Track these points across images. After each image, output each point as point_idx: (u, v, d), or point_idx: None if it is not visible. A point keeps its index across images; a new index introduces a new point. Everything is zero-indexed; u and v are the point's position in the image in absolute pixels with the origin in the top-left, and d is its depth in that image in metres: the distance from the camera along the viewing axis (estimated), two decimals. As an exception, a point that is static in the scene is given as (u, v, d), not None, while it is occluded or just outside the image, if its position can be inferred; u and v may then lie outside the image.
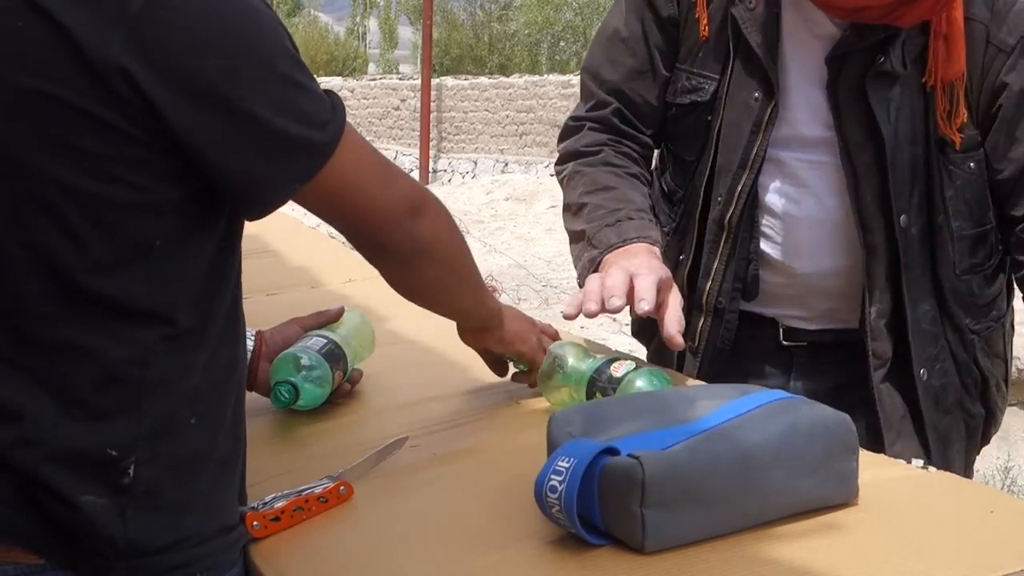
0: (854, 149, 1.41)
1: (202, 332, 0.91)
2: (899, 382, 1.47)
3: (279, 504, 1.02)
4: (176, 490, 0.90)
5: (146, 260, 0.87)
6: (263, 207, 0.94)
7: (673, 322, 1.30)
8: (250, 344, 1.29)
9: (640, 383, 1.22)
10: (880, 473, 1.08)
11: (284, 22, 0.92)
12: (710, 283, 1.49)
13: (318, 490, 1.06)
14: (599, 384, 1.24)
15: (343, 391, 1.37)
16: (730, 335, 1.50)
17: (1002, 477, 3.94)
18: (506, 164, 14.18)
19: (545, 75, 15.28)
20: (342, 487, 1.07)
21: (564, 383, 1.29)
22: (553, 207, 11.21)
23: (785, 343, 1.52)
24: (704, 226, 1.50)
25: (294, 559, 0.98)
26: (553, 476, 0.91)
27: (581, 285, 1.38)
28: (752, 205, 1.45)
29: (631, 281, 1.29)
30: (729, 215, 1.46)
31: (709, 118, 1.47)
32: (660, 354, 1.54)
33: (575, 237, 1.49)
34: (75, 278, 0.85)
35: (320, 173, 0.91)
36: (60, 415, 0.85)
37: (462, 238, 1.11)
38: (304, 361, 1.28)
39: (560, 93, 13.46)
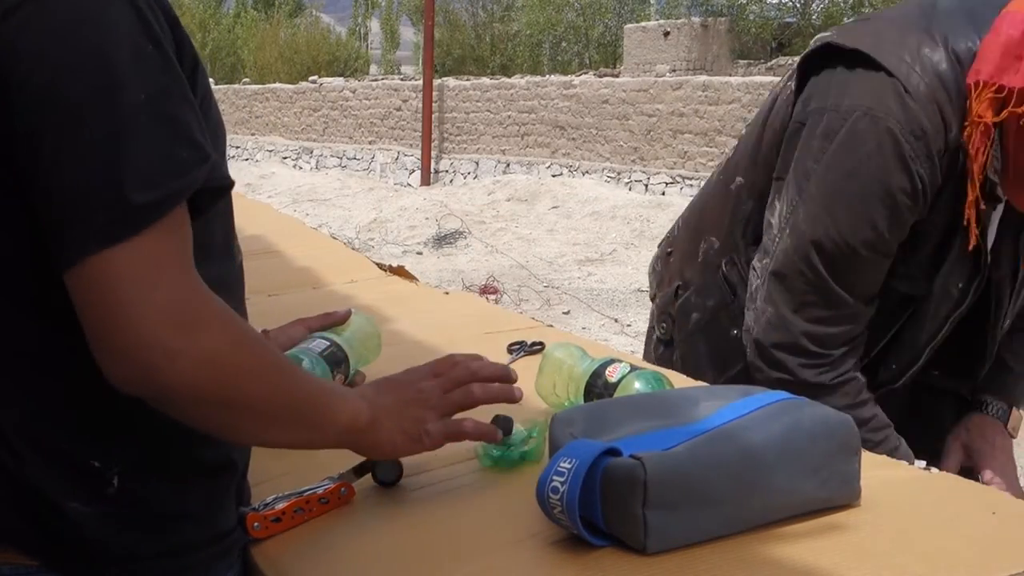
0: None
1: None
2: None
3: (280, 505, 1.02)
4: (166, 499, 0.90)
5: None
6: (56, 258, 0.79)
7: None
8: None
9: (638, 385, 1.21)
10: (882, 474, 1.08)
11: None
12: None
13: (319, 491, 1.06)
14: (595, 390, 1.24)
15: None
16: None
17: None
18: (508, 165, 14.18)
19: (547, 75, 15.28)
20: (343, 488, 1.07)
21: (561, 385, 1.28)
22: (555, 208, 11.21)
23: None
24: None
25: (296, 560, 0.98)
26: (555, 477, 0.91)
27: None
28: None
29: None
30: (900, 384, 1.55)
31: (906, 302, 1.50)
32: None
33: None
34: (25, 296, 0.84)
35: (120, 246, 0.76)
36: (43, 428, 0.85)
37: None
38: (304, 363, 1.28)
39: (561, 94, 13.45)
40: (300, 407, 0.91)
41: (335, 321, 1.35)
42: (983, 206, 1.39)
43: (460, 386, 1.04)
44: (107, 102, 0.77)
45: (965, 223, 1.40)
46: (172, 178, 0.79)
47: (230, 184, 0.85)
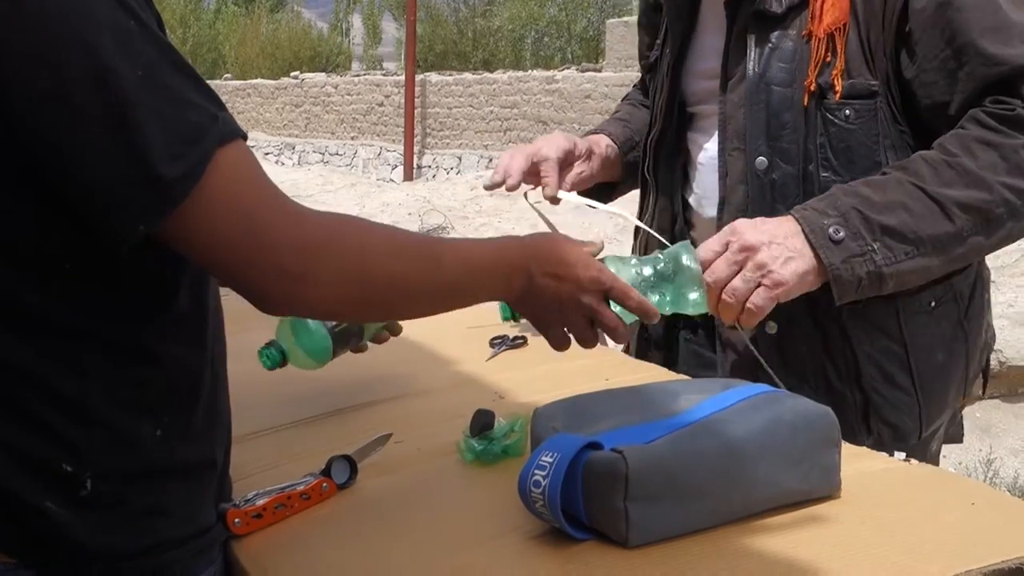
0: (728, 90, 1.41)
1: (147, 345, 0.88)
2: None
3: (261, 501, 1.02)
4: (143, 500, 0.89)
5: (60, 280, 0.83)
6: (113, 245, 0.82)
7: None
8: None
9: (685, 258, 1.15)
10: (862, 466, 1.09)
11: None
12: (640, 235, 1.60)
13: (300, 487, 1.06)
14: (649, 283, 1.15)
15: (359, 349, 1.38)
16: None
17: (984, 469, 3.97)
18: (491, 160, 14.16)
19: (529, 71, 15.26)
20: (324, 484, 1.07)
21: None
22: (538, 203, 11.21)
23: None
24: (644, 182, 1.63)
25: (277, 556, 0.98)
26: (537, 471, 0.91)
27: None
28: (670, 156, 1.56)
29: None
30: (645, 166, 1.59)
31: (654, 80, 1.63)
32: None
33: None
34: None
35: (173, 214, 0.80)
36: (15, 432, 0.84)
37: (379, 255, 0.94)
38: (311, 326, 1.28)
39: (544, 88, 13.45)
40: (443, 291, 1.01)
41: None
42: None
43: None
44: (105, 89, 0.77)
45: None
46: (191, 144, 0.80)
47: (244, 136, 0.86)
